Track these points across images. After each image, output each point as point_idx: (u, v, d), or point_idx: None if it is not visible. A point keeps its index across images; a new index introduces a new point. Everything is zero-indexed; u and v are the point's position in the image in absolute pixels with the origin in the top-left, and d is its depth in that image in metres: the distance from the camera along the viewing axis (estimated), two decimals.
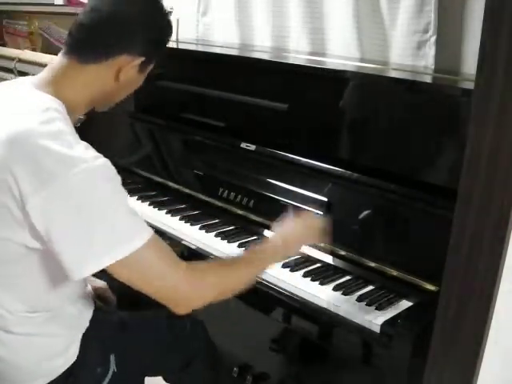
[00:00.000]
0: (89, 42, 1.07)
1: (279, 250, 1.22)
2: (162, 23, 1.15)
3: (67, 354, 1.15)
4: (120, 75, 1.09)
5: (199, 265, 1.12)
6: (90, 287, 1.33)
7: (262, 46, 2.06)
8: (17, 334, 1.09)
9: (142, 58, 1.10)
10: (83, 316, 1.19)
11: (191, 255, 1.51)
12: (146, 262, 0.99)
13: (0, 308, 1.07)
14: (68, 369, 1.15)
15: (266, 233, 1.53)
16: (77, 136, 1.00)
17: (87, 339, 1.17)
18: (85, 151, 0.96)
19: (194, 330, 1.40)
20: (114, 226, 0.96)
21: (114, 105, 1.20)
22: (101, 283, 1.39)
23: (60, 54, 1.10)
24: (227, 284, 1.12)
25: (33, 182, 0.93)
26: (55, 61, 1.09)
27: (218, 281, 1.09)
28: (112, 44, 1.07)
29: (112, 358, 1.21)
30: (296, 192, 1.49)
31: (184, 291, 1.04)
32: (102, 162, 0.97)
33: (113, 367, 1.21)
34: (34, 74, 1.13)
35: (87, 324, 1.19)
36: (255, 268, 1.18)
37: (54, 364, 1.14)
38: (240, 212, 1.59)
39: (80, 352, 1.16)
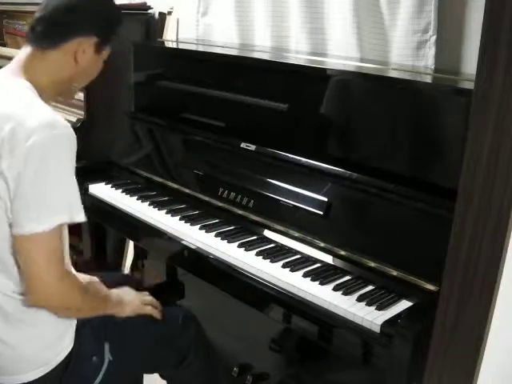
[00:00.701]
0: (46, 31, 1.23)
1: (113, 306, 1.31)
2: (109, 7, 1.34)
3: (62, 344, 1.20)
4: (77, 56, 1.24)
5: (76, 276, 1.21)
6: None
7: (262, 46, 2.06)
8: (11, 318, 1.14)
9: (95, 38, 1.26)
10: None
11: (191, 255, 1.51)
12: (52, 245, 1.08)
13: None
14: (64, 359, 1.20)
15: (266, 233, 1.53)
16: (48, 107, 1.15)
17: (81, 329, 1.23)
18: (55, 120, 1.09)
19: (186, 325, 1.42)
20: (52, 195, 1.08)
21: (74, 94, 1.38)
22: (93, 278, 1.40)
23: (23, 47, 1.25)
24: (82, 308, 1.21)
25: (7, 145, 1.06)
26: (20, 53, 1.25)
27: (79, 301, 1.18)
28: (66, 30, 1.23)
29: (106, 346, 1.27)
30: (296, 192, 1.49)
31: (54, 289, 1.11)
32: (71, 132, 1.10)
33: (108, 356, 1.26)
34: None
35: None
36: (99, 310, 1.27)
37: (50, 353, 1.19)
38: (240, 212, 1.59)
39: (75, 342, 1.22)
